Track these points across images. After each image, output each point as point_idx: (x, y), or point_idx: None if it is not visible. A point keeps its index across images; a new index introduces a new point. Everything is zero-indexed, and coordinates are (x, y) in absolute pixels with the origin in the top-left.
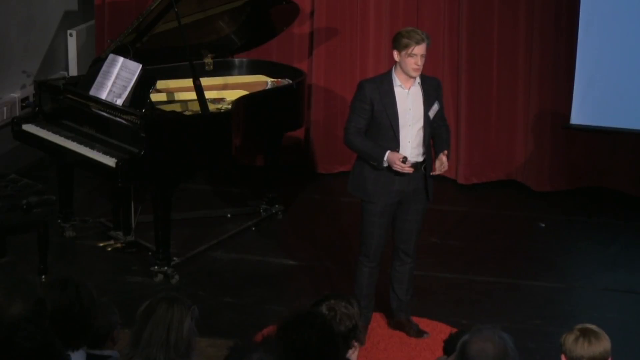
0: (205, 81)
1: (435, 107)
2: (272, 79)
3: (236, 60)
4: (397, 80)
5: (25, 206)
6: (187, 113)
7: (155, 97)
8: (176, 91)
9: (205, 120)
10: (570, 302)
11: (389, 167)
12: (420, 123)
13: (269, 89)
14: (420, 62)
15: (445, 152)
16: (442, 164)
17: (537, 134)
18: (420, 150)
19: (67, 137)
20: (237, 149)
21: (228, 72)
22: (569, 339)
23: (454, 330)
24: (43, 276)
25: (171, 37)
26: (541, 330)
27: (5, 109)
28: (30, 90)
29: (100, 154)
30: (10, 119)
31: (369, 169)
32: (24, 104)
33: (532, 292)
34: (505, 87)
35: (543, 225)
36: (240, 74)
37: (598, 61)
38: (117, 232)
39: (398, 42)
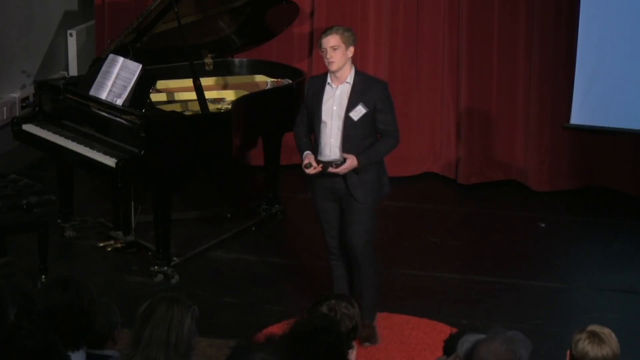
0: (205, 81)
1: (360, 109)
2: (272, 79)
3: (236, 60)
4: (329, 78)
5: (25, 206)
6: (187, 113)
7: (155, 97)
8: (176, 91)
9: (205, 120)
10: (570, 302)
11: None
12: (341, 122)
13: (269, 89)
14: (330, 54)
15: (351, 156)
16: (337, 165)
17: (537, 134)
18: (340, 150)
19: (67, 137)
20: (237, 148)
21: (228, 72)
22: (580, 338)
23: (454, 330)
24: (43, 276)
25: (171, 37)
26: (541, 330)
27: (5, 109)
28: (30, 90)
29: (100, 154)
30: (10, 119)
31: None
32: (24, 104)
33: (532, 292)
34: (505, 87)
35: (543, 225)
36: (240, 74)
37: (598, 61)
38: (117, 232)
39: None
